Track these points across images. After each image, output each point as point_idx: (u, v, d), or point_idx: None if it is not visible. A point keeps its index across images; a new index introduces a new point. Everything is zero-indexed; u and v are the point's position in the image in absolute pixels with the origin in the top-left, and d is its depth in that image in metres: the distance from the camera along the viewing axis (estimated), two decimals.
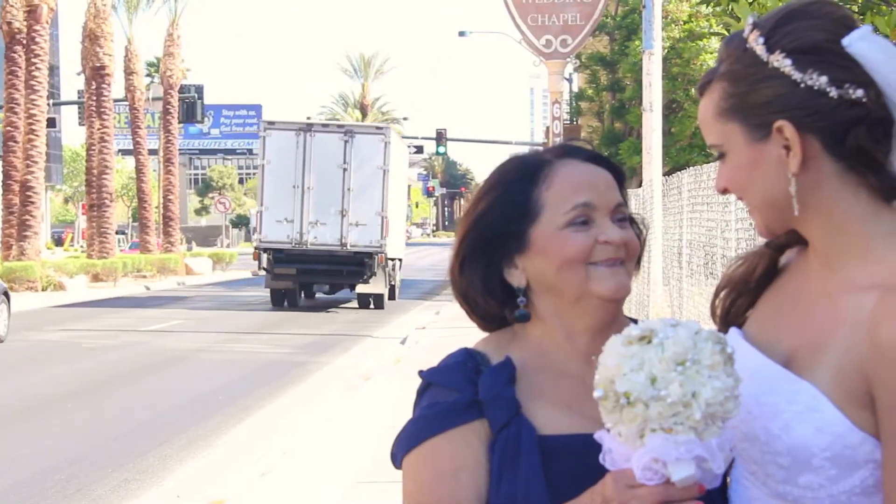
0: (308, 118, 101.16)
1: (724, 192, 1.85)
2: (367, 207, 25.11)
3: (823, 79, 1.73)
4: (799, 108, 1.73)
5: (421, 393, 1.93)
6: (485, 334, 2.01)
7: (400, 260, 29.27)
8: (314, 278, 26.49)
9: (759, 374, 1.74)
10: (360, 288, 26.19)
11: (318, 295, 29.12)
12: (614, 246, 1.87)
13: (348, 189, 25.08)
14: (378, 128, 27.14)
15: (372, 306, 26.78)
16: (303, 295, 28.03)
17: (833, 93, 1.73)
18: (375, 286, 25.98)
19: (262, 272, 26.67)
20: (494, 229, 1.92)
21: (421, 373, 1.95)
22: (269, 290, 26.94)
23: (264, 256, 25.52)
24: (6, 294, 19.28)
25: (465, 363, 1.90)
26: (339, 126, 27.11)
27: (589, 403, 1.70)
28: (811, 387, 1.71)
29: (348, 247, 25.23)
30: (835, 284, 1.76)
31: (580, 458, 1.78)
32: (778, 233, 1.83)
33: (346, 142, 25.21)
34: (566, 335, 1.91)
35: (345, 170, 25.12)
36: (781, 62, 1.74)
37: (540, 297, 1.93)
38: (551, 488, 1.80)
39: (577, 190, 1.89)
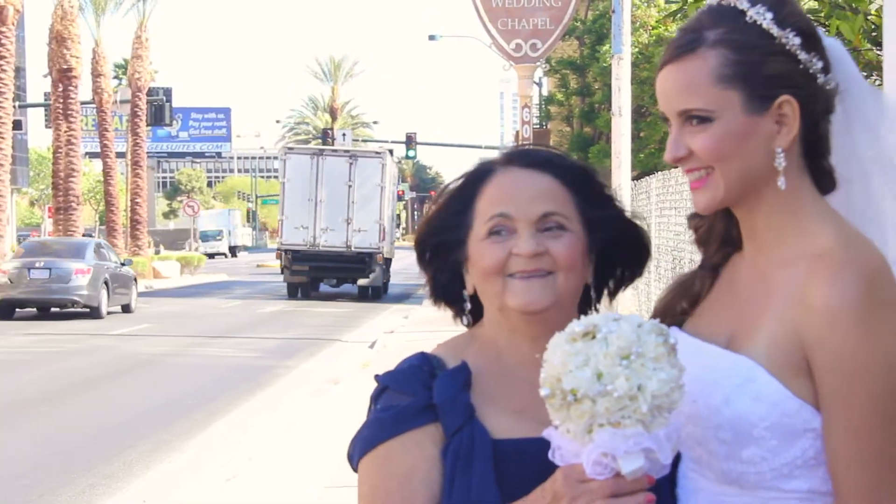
0: (277, 121, 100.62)
1: (679, 160, 1.83)
2: (367, 217, 30.90)
3: (820, 64, 1.79)
4: (801, 88, 1.78)
5: (376, 396, 1.93)
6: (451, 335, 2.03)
7: (390, 259, 34.59)
8: (325, 274, 31.95)
9: (698, 357, 1.77)
10: (361, 281, 31.84)
11: (321, 288, 34.01)
12: (524, 258, 1.87)
13: (352, 202, 30.86)
14: (377, 153, 33.31)
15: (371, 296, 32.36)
16: (300, 292, 32.92)
17: (821, 79, 1.79)
18: (374, 280, 31.68)
19: (284, 269, 32.39)
20: (442, 237, 1.96)
21: (377, 376, 1.96)
22: (286, 283, 32.67)
23: (284, 256, 31.35)
24: (135, 279, 27.93)
25: (420, 367, 1.91)
26: (346, 151, 33.50)
27: (542, 408, 1.70)
28: (748, 359, 1.74)
29: (352, 248, 30.97)
30: (767, 264, 1.81)
31: (533, 462, 1.78)
32: (719, 208, 1.85)
33: (350, 164, 31.18)
34: (510, 341, 1.93)
35: (350, 186, 30.93)
36: (791, 40, 1.77)
37: (484, 304, 1.95)
38: (504, 492, 1.80)
39: (496, 201, 1.91)
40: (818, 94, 1.80)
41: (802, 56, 1.78)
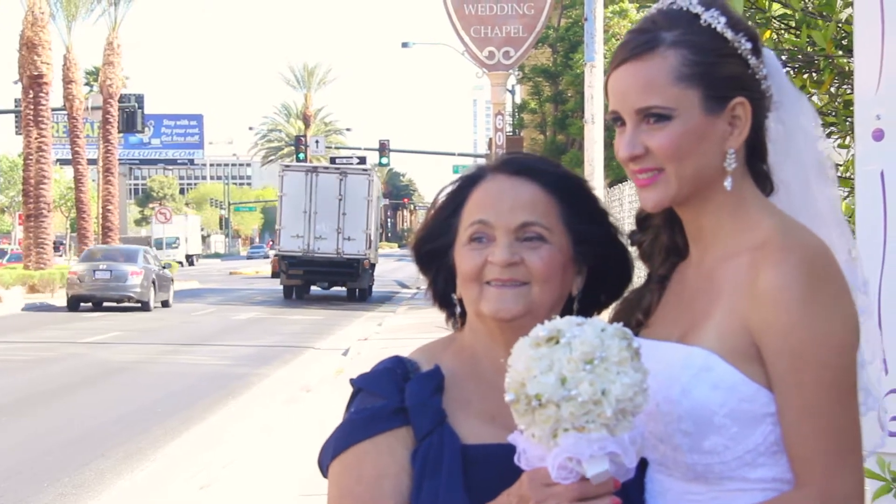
0: (250, 128, 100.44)
1: (635, 158, 1.84)
2: (355, 227, 34.33)
3: (765, 71, 1.85)
4: (752, 91, 1.83)
5: (351, 399, 1.94)
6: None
7: (375, 264, 37.87)
8: (318, 277, 35.70)
9: (654, 355, 1.79)
10: (350, 284, 35.69)
11: (312, 291, 37.45)
12: (499, 267, 1.88)
13: (342, 214, 34.27)
14: (364, 169, 37.33)
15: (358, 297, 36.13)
16: (294, 294, 36.63)
17: (764, 85, 1.85)
18: (361, 283, 35.60)
19: (281, 275, 36.41)
20: (434, 242, 1.98)
21: (352, 380, 1.97)
22: (282, 286, 36.62)
23: (282, 262, 35.17)
24: (172, 280, 33.89)
25: (393, 370, 1.92)
26: (336, 168, 37.55)
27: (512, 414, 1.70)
28: (701, 349, 1.78)
29: (343, 255, 34.32)
30: (712, 260, 1.85)
31: (502, 468, 1.78)
32: (668, 206, 1.87)
33: (340, 179, 34.66)
34: (486, 347, 1.94)
35: (340, 200, 34.31)
36: (743, 45, 1.82)
37: (466, 309, 1.96)
38: (472, 497, 1.81)
39: (478, 207, 1.92)
40: (764, 99, 1.85)
41: (752, 61, 1.83)
